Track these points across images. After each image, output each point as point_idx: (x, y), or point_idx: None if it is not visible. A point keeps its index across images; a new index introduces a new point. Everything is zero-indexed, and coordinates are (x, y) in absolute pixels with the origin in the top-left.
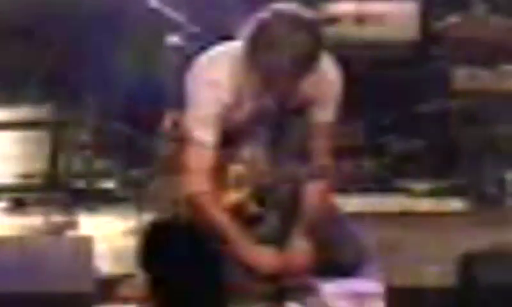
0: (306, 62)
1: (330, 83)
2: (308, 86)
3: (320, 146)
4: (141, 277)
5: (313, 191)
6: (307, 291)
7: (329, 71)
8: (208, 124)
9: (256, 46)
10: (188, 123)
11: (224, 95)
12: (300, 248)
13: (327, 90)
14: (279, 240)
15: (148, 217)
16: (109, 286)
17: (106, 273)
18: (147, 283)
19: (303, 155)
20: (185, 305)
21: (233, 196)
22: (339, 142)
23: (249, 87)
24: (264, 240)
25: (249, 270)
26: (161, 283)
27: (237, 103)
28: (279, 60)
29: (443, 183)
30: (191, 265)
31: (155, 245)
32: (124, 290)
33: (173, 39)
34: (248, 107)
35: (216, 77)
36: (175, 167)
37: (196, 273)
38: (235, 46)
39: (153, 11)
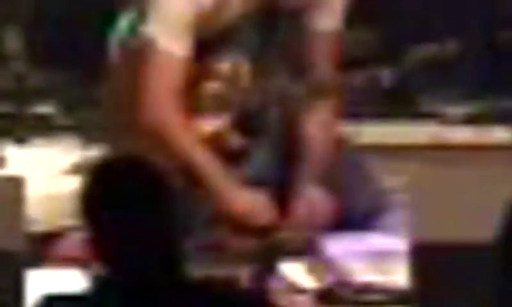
0: None
1: None
2: None
3: (323, 57)
4: (85, 231)
5: (314, 116)
6: (307, 249)
7: None
8: (179, 31)
9: None
10: (151, 29)
11: None
12: (312, 196)
13: None
14: (270, 181)
15: (95, 152)
16: (44, 242)
17: (41, 225)
18: (92, 239)
19: (301, 68)
20: (138, 264)
21: (209, 124)
22: (348, 51)
23: None
24: (250, 182)
25: (232, 222)
26: (110, 237)
27: (219, 3)
28: None
29: (485, 106)
30: (148, 215)
31: (103, 190)
32: (64, 248)
33: None
34: (236, 7)
35: None
36: (131, 85)
37: (154, 226)
38: None
39: None
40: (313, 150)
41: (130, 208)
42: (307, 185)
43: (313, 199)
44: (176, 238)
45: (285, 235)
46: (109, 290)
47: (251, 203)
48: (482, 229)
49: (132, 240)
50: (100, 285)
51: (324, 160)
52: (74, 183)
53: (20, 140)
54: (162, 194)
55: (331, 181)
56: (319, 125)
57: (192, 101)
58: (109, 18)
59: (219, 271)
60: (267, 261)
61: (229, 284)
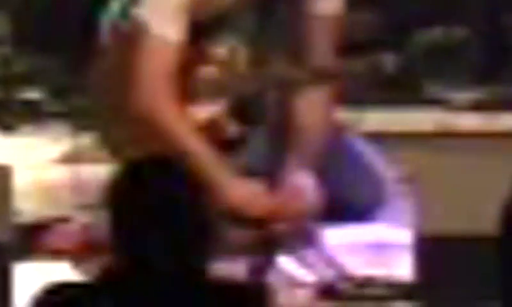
0: None
1: None
2: None
3: (323, 41)
4: (77, 222)
5: (313, 102)
6: (304, 241)
7: None
8: (173, 14)
9: None
10: (144, 12)
11: None
12: (298, 183)
13: None
14: (268, 171)
15: (86, 140)
16: (32, 234)
17: (30, 216)
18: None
19: (300, 52)
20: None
21: (204, 110)
22: (349, 35)
23: None
24: (247, 171)
25: (229, 213)
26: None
27: None
28: None
29: (492, 92)
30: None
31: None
32: (53, 240)
33: None
34: None
35: None
36: (122, 71)
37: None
38: None
39: None
40: (305, 137)
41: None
42: (294, 172)
43: (298, 185)
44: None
45: (283, 226)
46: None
47: (248, 193)
48: (490, 220)
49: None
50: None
51: (319, 147)
52: (64, 173)
53: (7, 127)
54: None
55: (331, 170)
56: (318, 112)
57: (187, 87)
58: (100, 1)
59: (216, 263)
60: (264, 254)
61: (225, 278)
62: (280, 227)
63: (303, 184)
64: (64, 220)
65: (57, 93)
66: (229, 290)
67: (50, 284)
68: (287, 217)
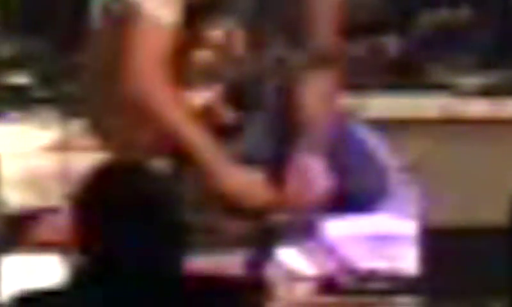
0: None
1: None
2: None
3: (323, 23)
4: (67, 213)
5: (319, 87)
6: (305, 232)
7: None
8: None
9: None
10: None
11: None
12: (309, 169)
13: None
14: (266, 159)
15: (76, 127)
16: (20, 225)
17: (17, 206)
18: (78, 223)
19: (299, 35)
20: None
21: (200, 96)
22: (350, 16)
23: None
24: (244, 159)
25: (225, 203)
26: (98, 227)
27: None
28: None
29: (500, 76)
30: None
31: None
32: (42, 231)
33: None
34: None
35: None
36: (114, 54)
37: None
38: None
39: None
40: (312, 123)
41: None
42: (304, 157)
43: (309, 171)
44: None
45: (282, 217)
46: (90, 282)
47: (245, 182)
48: (499, 211)
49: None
50: (80, 277)
51: (325, 134)
52: (53, 161)
53: None
54: (159, 204)
55: (332, 158)
56: (318, 97)
57: (182, 71)
58: None
59: (210, 257)
60: (262, 246)
61: (220, 271)
62: (279, 217)
63: (315, 170)
64: (52, 210)
65: (46, 77)
66: (223, 285)
67: (24, 292)
68: (297, 206)
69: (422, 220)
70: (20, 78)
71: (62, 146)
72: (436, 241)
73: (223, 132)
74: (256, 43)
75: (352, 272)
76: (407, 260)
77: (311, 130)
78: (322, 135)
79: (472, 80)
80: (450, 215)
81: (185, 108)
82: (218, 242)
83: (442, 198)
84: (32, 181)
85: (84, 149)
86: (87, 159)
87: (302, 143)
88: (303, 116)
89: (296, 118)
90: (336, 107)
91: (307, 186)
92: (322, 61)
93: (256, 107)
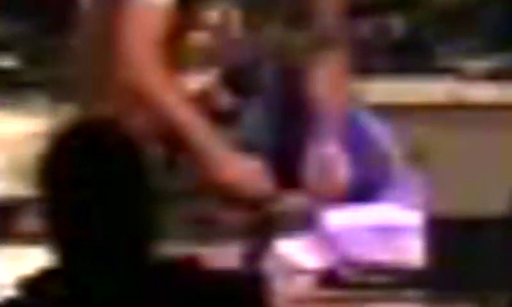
0: None
1: None
2: None
3: (326, 3)
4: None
5: (330, 71)
6: (305, 223)
7: None
8: None
9: None
10: None
11: None
12: (329, 157)
13: None
14: (265, 146)
15: (65, 112)
16: (6, 216)
17: (2, 196)
18: (48, 216)
19: (300, 16)
20: (108, 242)
21: (195, 80)
22: None
23: None
24: (242, 146)
25: (222, 192)
26: (68, 216)
27: None
28: None
29: (509, 60)
30: (122, 187)
31: (66, 158)
32: (26, 221)
33: None
34: None
35: None
36: (105, 36)
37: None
38: None
39: None
40: (324, 108)
41: (94, 183)
42: (317, 147)
43: (324, 162)
44: (148, 216)
45: (282, 207)
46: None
47: (243, 170)
48: (507, 199)
49: (94, 219)
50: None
51: (339, 120)
52: (41, 149)
53: None
54: (133, 165)
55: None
56: (329, 81)
57: (176, 54)
58: None
59: (206, 248)
60: (261, 238)
61: (217, 264)
62: (280, 208)
63: (335, 158)
64: (40, 200)
65: (34, 60)
66: (219, 278)
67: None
68: (315, 197)
69: (427, 210)
70: (6, 61)
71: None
72: (442, 232)
73: (220, 118)
74: (254, 24)
75: (354, 264)
76: (412, 252)
77: (323, 117)
78: (336, 122)
79: (480, 64)
80: (457, 205)
81: (179, 92)
82: (214, 234)
83: (449, 187)
84: (18, 170)
85: None
86: None
87: (315, 131)
88: (311, 102)
89: (299, 104)
90: (347, 91)
91: (328, 176)
92: (324, 43)
93: (255, 91)
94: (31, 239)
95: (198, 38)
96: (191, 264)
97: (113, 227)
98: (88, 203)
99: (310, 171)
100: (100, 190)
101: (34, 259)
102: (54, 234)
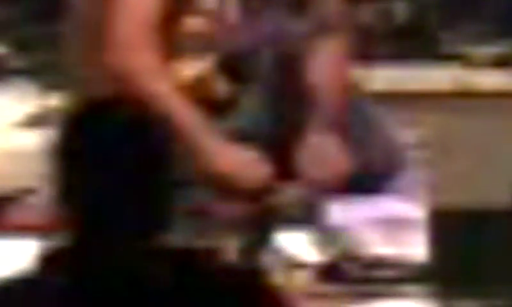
0: None
1: None
2: None
3: None
4: (45, 194)
5: (330, 57)
6: (308, 216)
7: None
8: None
9: None
10: None
11: None
12: (313, 150)
13: None
14: (263, 135)
15: (55, 100)
16: None
17: None
18: (57, 204)
19: (299, 0)
20: (116, 233)
21: (190, 67)
22: None
23: None
24: (239, 136)
25: (218, 184)
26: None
27: None
28: None
29: None
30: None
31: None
32: (20, 214)
33: None
34: None
35: None
36: (96, 21)
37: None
38: None
39: None
40: (323, 97)
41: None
42: (317, 135)
43: (323, 150)
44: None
45: (281, 199)
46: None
47: (240, 161)
48: None
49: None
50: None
51: (339, 109)
52: (31, 138)
53: None
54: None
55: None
56: (329, 68)
57: (171, 40)
58: None
59: (202, 242)
60: (259, 231)
61: (214, 258)
62: (279, 200)
63: (331, 149)
64: (29, 191)
65: (23, 46)
66: (216, 272)
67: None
68: (310, 188)
69: (432, 202)
70: None
71: (40, 121)
72: (447, 225)
73: (216, 106)
74: (251, 9)
75: (356, 258)
76: (415, 246)
77: (323, 105)
78: (336, 110)
79: (486, 50)
80: (462, 196)
81: (174, 79)
82: (210, 227)
83: (455, 177)
84: (6, 160)
85: None
86: None
87: (314, 119)
88: (311, 90)
89: (298, 91)
90: (348, 77)
91: (322, 166)
92: (325, 29)
93: (252, 78)
94: (22, 231)
95: (194, 22)
96: (208, 256)
97: (123, 210)
98: (98, 185)
99: (306, 159)
100: (113, 173)
101: (24, 252)
102: (67, 215)
